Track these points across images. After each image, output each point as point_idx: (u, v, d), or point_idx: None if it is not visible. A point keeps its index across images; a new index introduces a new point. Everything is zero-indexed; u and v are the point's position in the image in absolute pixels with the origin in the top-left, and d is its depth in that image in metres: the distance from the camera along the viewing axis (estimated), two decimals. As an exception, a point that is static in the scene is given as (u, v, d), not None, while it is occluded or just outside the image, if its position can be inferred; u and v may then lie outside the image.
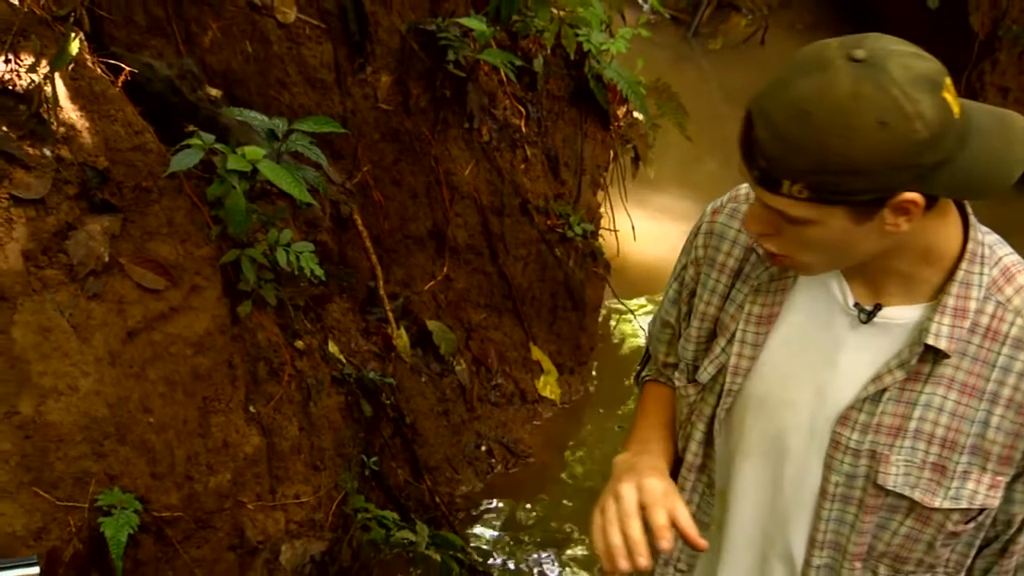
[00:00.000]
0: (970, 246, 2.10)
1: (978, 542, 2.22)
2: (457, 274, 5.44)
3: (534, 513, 5.32)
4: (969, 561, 2.25)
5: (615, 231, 6.25)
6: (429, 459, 5.09)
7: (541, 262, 5.68)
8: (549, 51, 5.58)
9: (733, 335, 2.26)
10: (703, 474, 2.37)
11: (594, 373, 6.15)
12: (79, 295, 3.49)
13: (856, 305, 2.16)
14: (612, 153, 6.12)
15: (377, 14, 4.84)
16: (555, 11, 5.41)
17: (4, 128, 3.41)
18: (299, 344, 4.34)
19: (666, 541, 2.08)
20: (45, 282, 3.43)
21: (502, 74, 5.35)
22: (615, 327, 6.36)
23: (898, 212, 1.93)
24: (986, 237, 2.15)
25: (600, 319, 6.26)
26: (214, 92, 4.33)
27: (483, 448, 5.43)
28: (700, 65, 8.41)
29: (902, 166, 1.86)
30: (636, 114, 5.94)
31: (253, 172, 3.79)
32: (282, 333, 4.24)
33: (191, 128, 3.79)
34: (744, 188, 2.35)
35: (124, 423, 3.55)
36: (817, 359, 2.20)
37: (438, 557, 4.54)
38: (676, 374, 2.41)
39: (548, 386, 5.74)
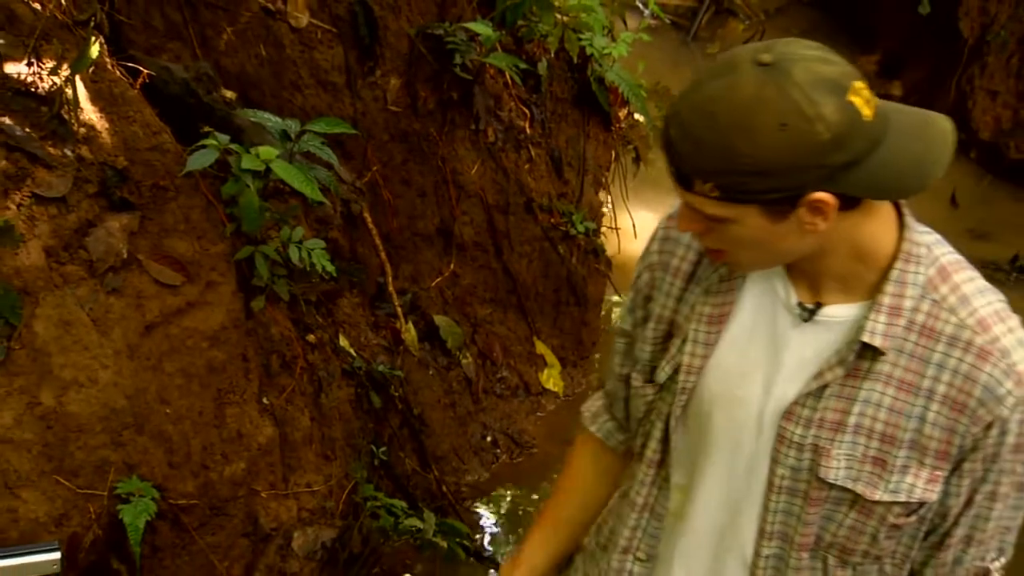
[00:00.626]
0: (904, 246, 2.09)
1: (920, 534, 2.21)
2: (463, 270, 5.45)
3: (538, 501, 5.32)
4: (913, 552, 2.24)
5: (616, 229, 6.25)
6: (436, 449, 5.09)
7: (545, 259, 5.68)
8: (553, 55, 5.58)
9: (687, 336, 2.26)
10: (661, 469, 2.36)
11: (596, 366, 6.15)
12: (99, 290, 3.50)
13: (798, 304, 2.16)
14: (614, 153, 6.12)
15: (386, 19, 4.85)
16: (559, 16, 5.41)
17: (27, 128, 3.42)
18: (311, 338, 4.34)
19: None
20: (66, 277, 3.44)
21: (507, 77, 5.35)
22: (616, 322, 6.36)
23: (812, 211, 1.93)
24: (924, 237, 2.13)
25: (602, 314, 6.26)
26: (229, 94, 4.34)
27: (488, 439, 5.44)
28: (699, 69, 8.41)
29: (806, 167, 1.87)
30: (637, 116, 5.95)
31: (266, 171, 3.80)
32: (294, 327, 4.25)
33: (207, 129, 3.79)
34: None
35: (142, 414, 3.56)
36: (764, 356, 2.20)
37: (445, 544, 4.55)
38: (633, 375, 2.41)
39: (551, 379, 5.74)
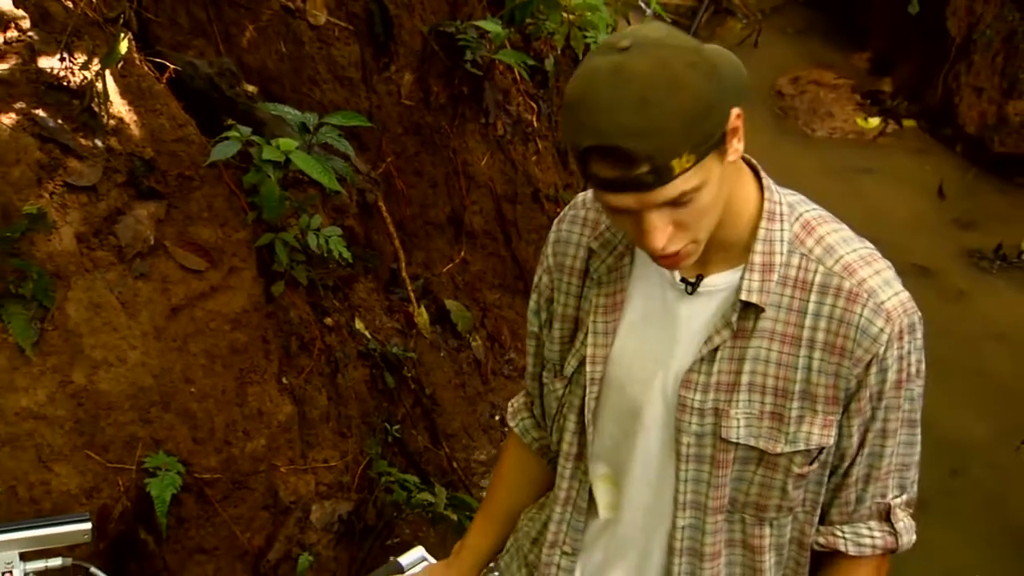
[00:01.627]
0: (766, 205, 2.10)
1: (825, 479, 2.21)
2: (473, 257, 5.45)
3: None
4: (822, 499, 2.24)
5: (620, 218, 6.25)
6: (447, 427, 5.10)
7: (551, 246, 5.69)
8: (559, 51, 5.58)
9: (587, 328, 2.26)
10: (580, 461, 2.33)
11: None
12: (127, 275, 3.52)
13: (682, 279, 2.15)
14: (617, 146, 6.11)
15: (401, 17, 4.85)
16: (565, 15, 5.40)
17: (59, 120, 3.43)
18: (328, 321, 4.35)
19: None
20: (96, 262, 3.46)
21: (516, 73, 5.35)
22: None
23: (733, 134, 1.94)
24: (785, 196, 2.15)
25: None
26: (251, 88, 4.34)
27: (497, 418, 5.43)
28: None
29: (727, 85, 1.90)
30: (639, 110, 5.94)
31: (286, 162, 3.80)
32: (312, 311, 4.25)
33: (229, 121, 3.79)
34: (581, 196, 2.35)
35: (168, 392, 3.58)
36: (659, 335, 2.19)
37: (455, 517, 4.55)
38: (544, 374, 2.40)
39: (557, 360, 5.75)
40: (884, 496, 2.24)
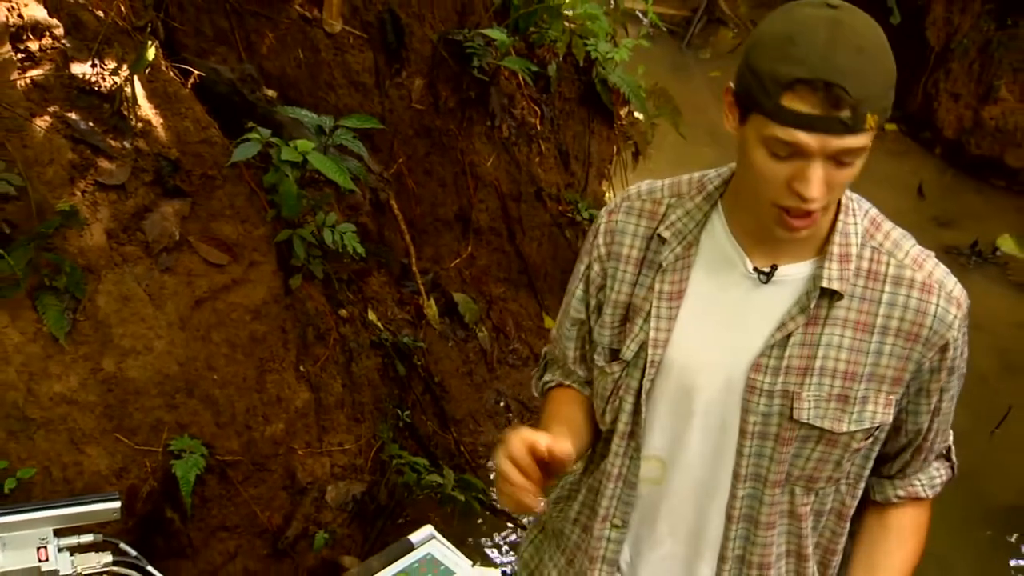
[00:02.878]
0: (843, 201, 2.14)
1: (873, 454, 2.27)
2: (480, 252, 5.45)
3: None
4: (866, 473, 2.29)
5: (617, 216, 6.24)
6: (455, 413, 5.10)
7: (553, 242, 5.69)
8: (561, 58, 5.58)
9: (648, 313, 2.25)
10: (632, 440, 2.33)
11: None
12: (154, 268, 3.52)
13: (755, 269, 2.17)
14: (615, 148, 6.11)
15: (412, 26, 4.85)
16: (567, 24, 5.41)
17: (90, 123, 3.44)
18: (342, 312, 4.35)
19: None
20: (125, 257, 3.46)
21: (520, 78, 5.35)
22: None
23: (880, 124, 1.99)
24: (852, 193, 2.19)
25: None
26: (270, 93, 4.35)
27: (502, 404, 5.44)
28: (693, 72, 8.40)
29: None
30: (637, 114, 5.94)
31: (303, 162, 3.81)
32: (328, 303, 4.26)
33: (250, 124, 3.79)
34: (634, 189, 2.36)
35: (192, 379, 3.58)
36: (725, 321, 2.20)
37: (462, 498, 4.56)
38: (595, 356, 2.38)
39: (558, 350, 5.75)
40: (946, 440, 2.37)
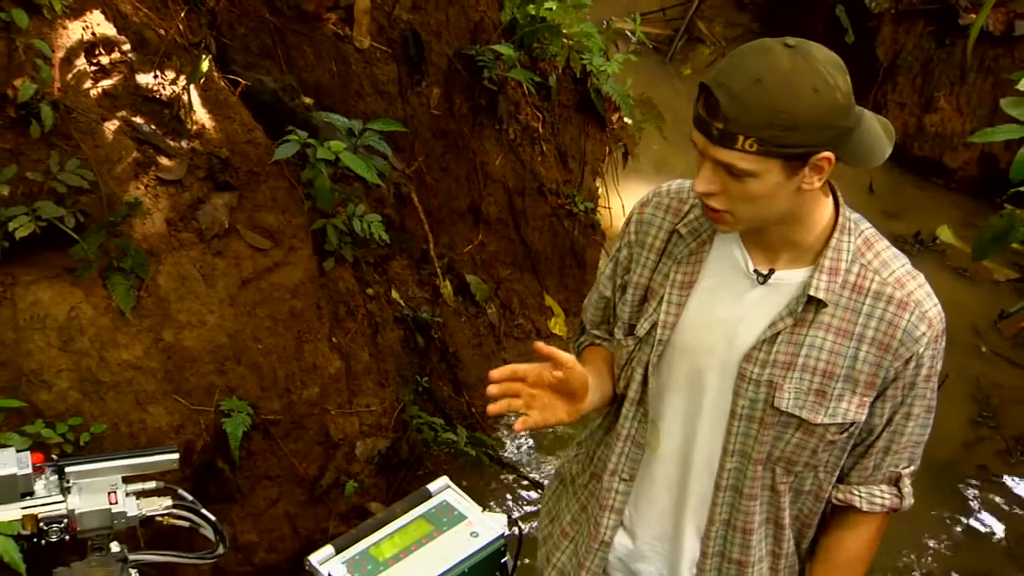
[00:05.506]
0: (840, 220, 2.14)
1: (848, 447, 2.25)
2: (489, 239, 5.45)
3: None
4: (842, 462, 2.28)
5: (608, 208, 6.24)
6: (467, 379, 5.10)
7: (553, 231, 5.68)
8: (561, 71, 5.57)
9: (662, 298, 2.26)
10: (640, 406, 2.36)
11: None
12: (206, 252, 3.53)
13: (755, 270, 2.17)
14: (607, 149, 6.10)
15: (431, 42, 4.84)
16: (565, 41, 5.40)
17: (153, 126, 3.45)
18: (370, 291, 4.35)
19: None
20: (181, 242, 3.47)
21: (525, 88, 5.34)
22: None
23: (814, 170, 1.96)
24: (851, 214, 2.18)
25: (597, 274, 6.26)
26: (307, 100, 4.34)
27: (507, 371, 5.43)
28: (674, 84, 8.37)
29: (827, 126, 1.90)
30: (626, 119, 5.93)
31: (336, 161, 3.81)
32: (357, 283, 4.25)
33: (290, 127, 3.80)
34: (666, 186, 2.37)
35: (239, 349, 3.60)
36: (727, 313, 2.21)
37: (473, 453, 4.57)
38: (616, 331, 2.40)
39: (557, 325, 5.74)
40: (897, 466, 2.29)
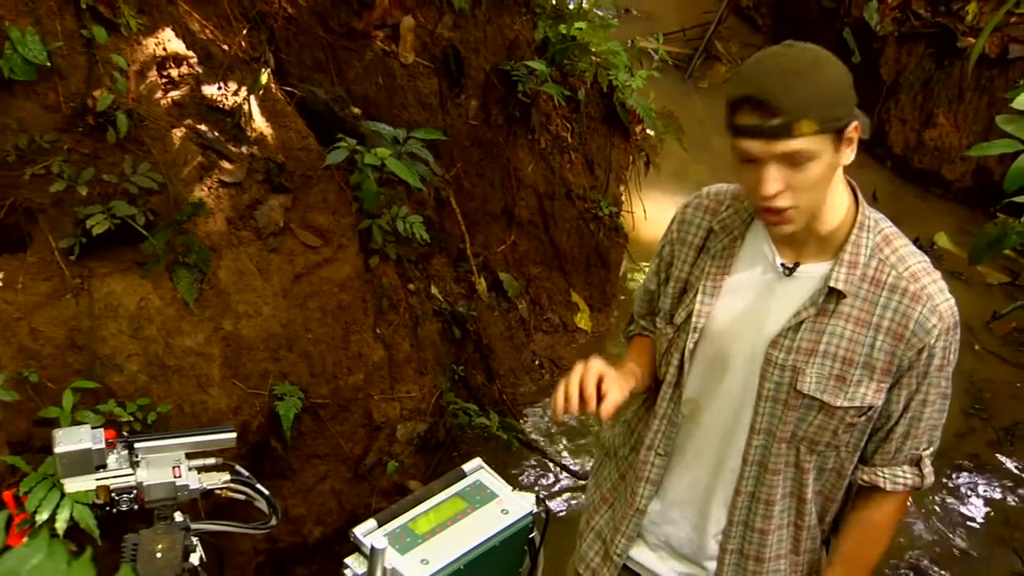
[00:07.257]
0: (859, 218, 2.15)
1: (868, 430, 2.26)
2: (520, 240, 5.45)
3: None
4: (862, 444, 2.29)
5: (631, 212, 6.23)
6: (499, 369, 5.11)
7: (579, 233, 5.68)
8: (589, 85, 5.56)
9: (698, 290, 2.28)
10: (677, 388, 2.37)
11: (615, 311, 6.15)
12: (263, 249, 3.55)
13: (782, 264, 2.20)
14: (631, 158, 6.08)
15: (469, 58, 4.85)
16: (594, 58, 5.39)
17: (216, 133, 3.47)
18: (411, 287, 4.36)
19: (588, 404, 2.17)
20: (240, 240, 3.49)
21: (555, 101, 5.34)
22: (630, 279, 6.35)
23: (846, 144, 2.01)
24: (872, 212, 2.20)
25: (620, 273, 6.25)
26: (356, 111, 4.35)
27: (536, 362, 5.44)
28: (693, 99, 8.34)
29: (852, 96, 1.97)
30: (649, 131, 5.91)
31: (382, 166, 3.83)
32: (399, 279, 4.26)
33: (340, 135, 3.81)
34: (706, 189, 2.38)
35: (292, 338, 3.61)
36: (754, 304, 2.23)
37: (504, 436, 4.57)
38: (657, 320, 2.43)
39: (583, 320, 5.74)
40: (917, 448, 2.30)
